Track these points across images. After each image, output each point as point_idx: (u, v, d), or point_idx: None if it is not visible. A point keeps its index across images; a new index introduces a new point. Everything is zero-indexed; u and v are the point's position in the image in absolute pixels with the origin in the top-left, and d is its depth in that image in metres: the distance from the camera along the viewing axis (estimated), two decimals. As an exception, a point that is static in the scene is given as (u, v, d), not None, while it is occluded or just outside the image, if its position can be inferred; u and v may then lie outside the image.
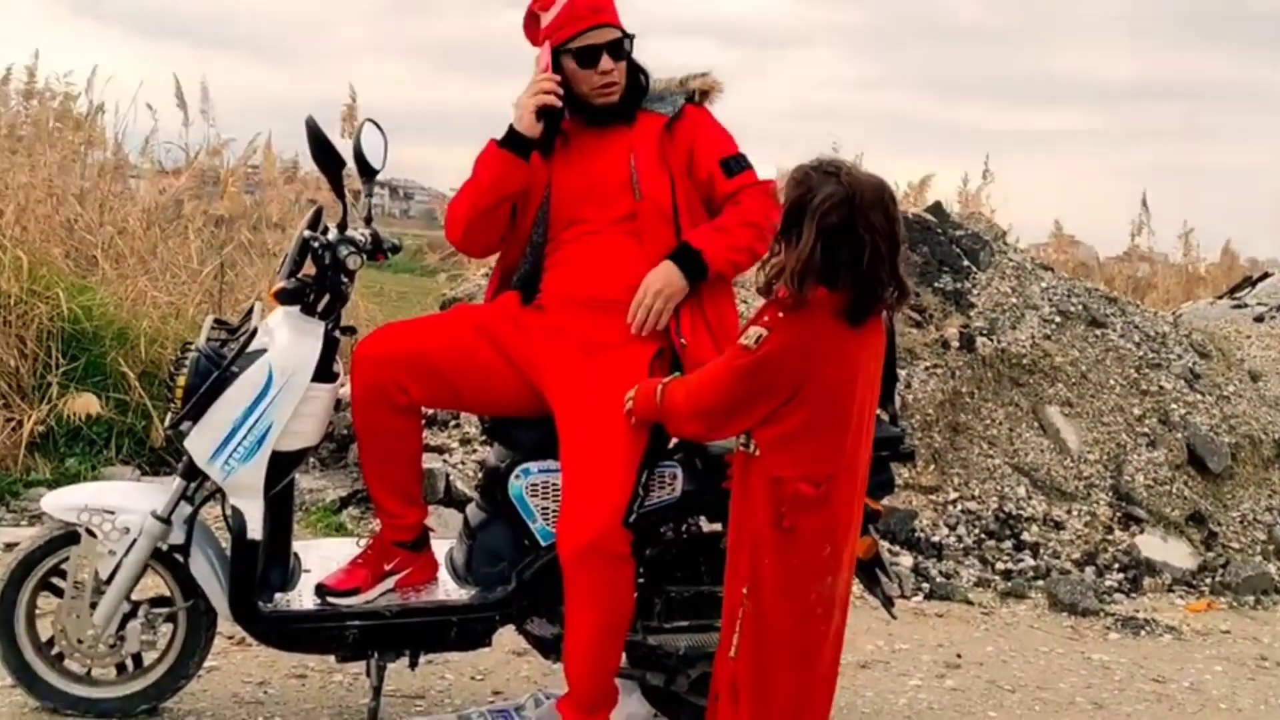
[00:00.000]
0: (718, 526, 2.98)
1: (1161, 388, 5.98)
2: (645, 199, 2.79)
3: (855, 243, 2.25)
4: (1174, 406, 5.90)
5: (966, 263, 6.37)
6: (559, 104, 2.77)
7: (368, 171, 2.97)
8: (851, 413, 2.37)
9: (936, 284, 6.15)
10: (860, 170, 2.34)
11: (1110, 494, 5.48)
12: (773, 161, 2.87)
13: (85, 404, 4.92)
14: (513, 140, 2.78)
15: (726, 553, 2.47)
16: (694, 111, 2.88)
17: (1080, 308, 6.28)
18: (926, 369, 5.62)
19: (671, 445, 2.93)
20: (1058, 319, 6.15)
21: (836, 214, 2.24)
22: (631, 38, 2.83)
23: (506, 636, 3.19)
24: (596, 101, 2.82)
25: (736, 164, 2.83)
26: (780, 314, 2.29)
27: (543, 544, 2.87)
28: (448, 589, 2.95)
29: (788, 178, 2.35)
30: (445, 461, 4.98)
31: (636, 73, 2.87)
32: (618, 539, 2.63)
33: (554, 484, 2.84)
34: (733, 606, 2.40)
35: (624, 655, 3.03)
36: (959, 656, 4.01)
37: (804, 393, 2.31)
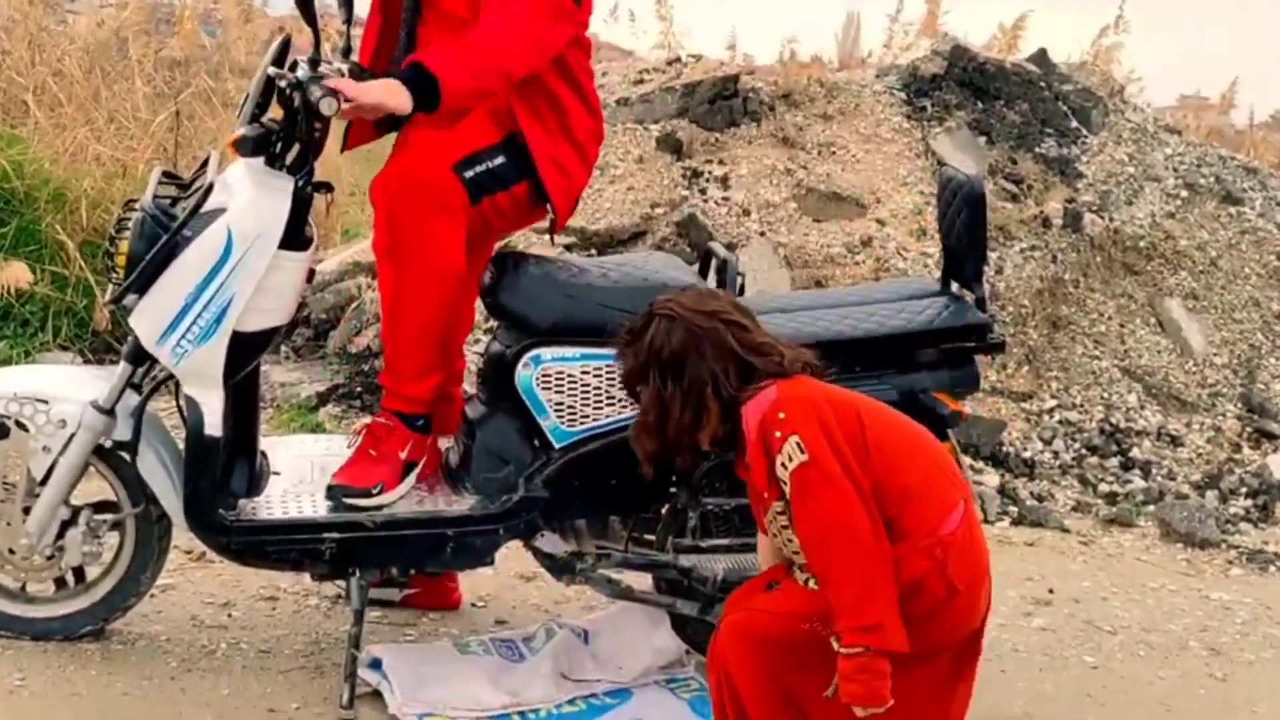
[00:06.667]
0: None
1: (1308, 278, 5.91)
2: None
3: (713, 344, 2.41)
4: (1322, 301, 5.83)
5: (1075, 124, 6.26)
6: None
7: (346, -6, 2.93)
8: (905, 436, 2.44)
9: (1038, 149, 6.05)
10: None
11: (1240, 405, 5.43)
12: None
13: (16, 274, 4.94)
14: None
15: None
16: None
17: (1212, 180, 6.17)
18: (1022, 251, 5.55)
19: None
20: (1184, 193, 6.05)
21: (669, 341, 2.42)
22: None
23: (512, 555, 3.21)
24: None
25: None
26: (780, 415, 2.32)
27: (555, 445, 2.87)
28: (444, 496, 2.96)
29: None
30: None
31: None
32: (444, 181, 2.85)
33: (569, 374, 2.85)
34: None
35: (652, 580, 3.07)
36: (1051, 592, 4.01)
37: (872, 445, 2.33)
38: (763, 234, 5.42)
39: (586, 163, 3.11)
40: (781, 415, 2.31)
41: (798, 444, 2.28)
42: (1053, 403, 5.25)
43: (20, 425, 2.89)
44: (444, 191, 2.86)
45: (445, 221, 2.86)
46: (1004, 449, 4.96)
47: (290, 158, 2.83)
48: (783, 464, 2.29)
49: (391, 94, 2.74)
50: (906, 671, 2.31)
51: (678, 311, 2.44)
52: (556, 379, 2.86)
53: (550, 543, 2.96)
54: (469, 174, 2.89)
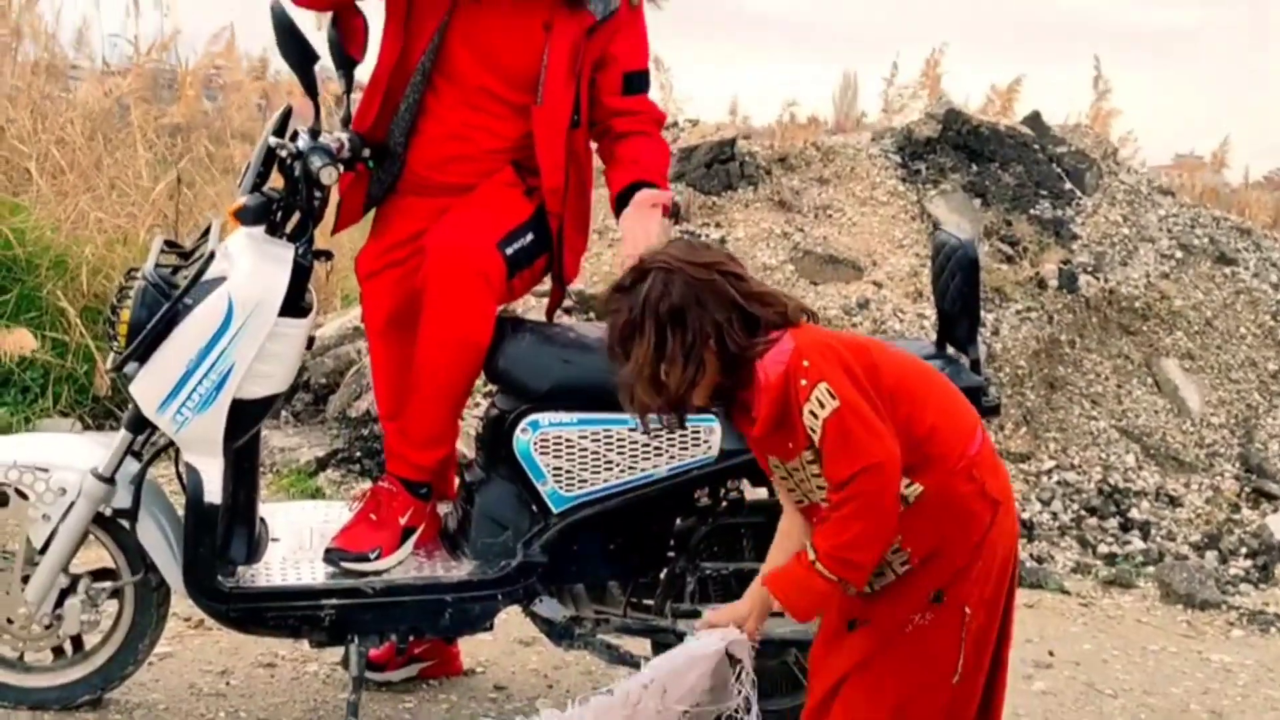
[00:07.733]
0: (763, 492, 2.97)
1: (1303, 338, 5.93)
2: (545, 105, 3.00)
3: (714, 295, 2.31)
4: (1318, 361, 5.85)
5: (1069, 186, 6.30)
6: None
7: (346, 64, 2.96)
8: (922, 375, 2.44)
9: (1032, 210, 6.10)
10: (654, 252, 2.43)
11: (1238, 465, 5.44)
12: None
13: (19, 340, 4.95)
14: None
15: (904, 592, 2.38)
16: (627, 16, 3.06)
17: (1206, 241, 6.21)
18: (1019, 312, 5.57)
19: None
20: (1178, 254, 6.09)
21: (668, 293, 2.31)
22: None
23: (511, 620, 3.21)
24: None
25: (638, 82, 3.12)
26: (804, 363, 2.29)
27: (554, 510, 2.88)
28: (442, 562, 2.97)
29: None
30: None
31: None
32: (490, 258, 2.92)
33: (567, 438, 2.86)
34: (950, 629, 2.37)
35: (650, 645, 3.06)
36: (1051, 654, 4.00)
37: (889, 385, 2.32)
38: (760, 297, 5.44)
39: (584, 241, 3.31)
40: (806, 363, 2.27)
41: (828, 391, 2.24)
42: (1051, 464, 5.26)
43: (20, 493, 2.89)
44: (488, 268, 2.92)
45: (484, 296, 2.91)
46: (1003, 510, 4.96)
47: (290, 226, 2.86)
48: (812, 412, 2.24)
49: (651, 212, 3.07)
50: (989, 590, 2.35)
51: (674, 264, 2.32)
52: (554, 444, 2.86)
53: (549, 608, 2.96)
54: (509, 250, 2.97)
